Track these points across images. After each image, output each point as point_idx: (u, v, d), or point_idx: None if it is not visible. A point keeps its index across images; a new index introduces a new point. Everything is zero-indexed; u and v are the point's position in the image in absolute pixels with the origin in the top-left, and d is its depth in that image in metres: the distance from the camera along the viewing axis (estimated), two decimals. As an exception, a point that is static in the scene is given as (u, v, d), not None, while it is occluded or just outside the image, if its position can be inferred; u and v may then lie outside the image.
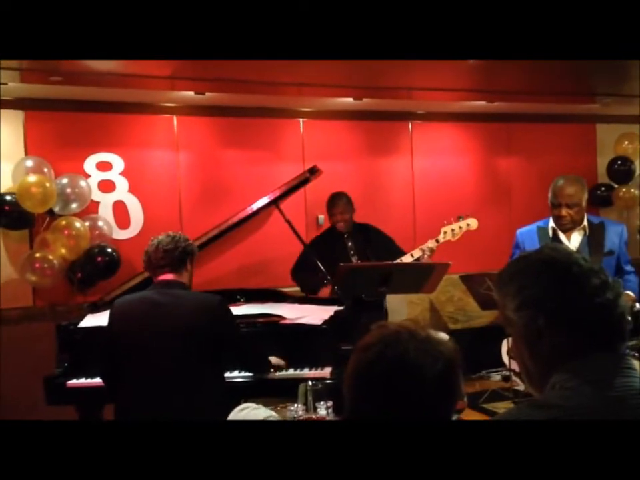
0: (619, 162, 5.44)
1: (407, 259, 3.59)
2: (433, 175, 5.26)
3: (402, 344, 1.10)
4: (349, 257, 3.88)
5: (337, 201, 3.98)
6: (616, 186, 5.47)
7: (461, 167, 5.34)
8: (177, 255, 2.43)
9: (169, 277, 2.44)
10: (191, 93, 4.13)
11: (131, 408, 2.30)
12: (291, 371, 2.78)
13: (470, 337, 4.93)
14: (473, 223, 3.38)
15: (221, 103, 4.47)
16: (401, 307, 4.90)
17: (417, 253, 3.54)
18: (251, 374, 2.76)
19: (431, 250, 3.47)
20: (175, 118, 4.49)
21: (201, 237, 3.56)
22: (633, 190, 5.38)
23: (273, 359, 2.78)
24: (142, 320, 2.34)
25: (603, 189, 5.49)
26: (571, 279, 1.10)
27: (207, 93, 4.12)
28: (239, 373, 2.80)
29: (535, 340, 1.11)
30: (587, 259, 1.14)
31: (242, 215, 3.60)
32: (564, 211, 2.81)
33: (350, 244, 3.91)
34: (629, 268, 2.93)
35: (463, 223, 3.39)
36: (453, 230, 3.40)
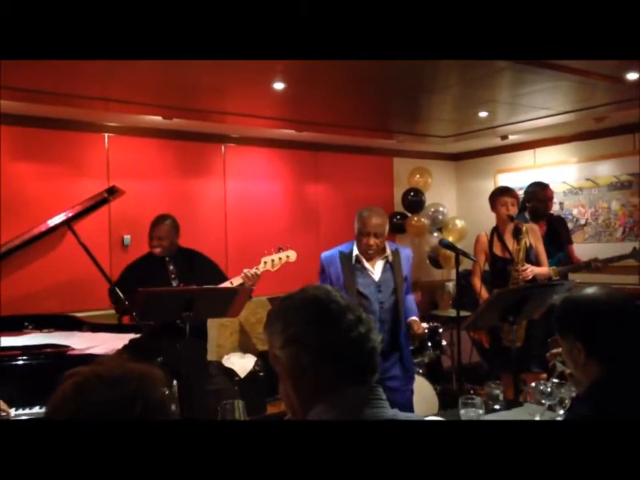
0: (412, 193, 6.04)
1: (227, 285, 3.54)
2: (246, 198, 5.33)
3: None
4: (170, 281, 3.69)
5: (160, 225, 3.65)
6: (409, 215, 6.05)
7: (273, 191, 5.50)
8: None
9: None
10: (-25, 98, 3.69)
11: None
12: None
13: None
14: (292, 255, 3.50)
15: (12, 111, 4.06)
16: (211, 330, 4.86)
17: (236, 281, 3.52)
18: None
19: (255, 276, 3.45)
20: (-46, 124, 3.99)
21: (-19, 258, 3.19)
22: (423, 219, 5.99)
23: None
24: None
25: (398, 217, 6.03)
26: (330, 315, 1.18)
27: (-5, 100, 3.72)
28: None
29: (299, 375, 1.17)
30: (344, 297, 1.23)
31: (31, 233, 3.30)
32: (372, 240, 3.01)
33: (171, 267, 3.71)
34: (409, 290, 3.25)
35: (282, 255, 3.48)
36: (272, 260, 3.46)
